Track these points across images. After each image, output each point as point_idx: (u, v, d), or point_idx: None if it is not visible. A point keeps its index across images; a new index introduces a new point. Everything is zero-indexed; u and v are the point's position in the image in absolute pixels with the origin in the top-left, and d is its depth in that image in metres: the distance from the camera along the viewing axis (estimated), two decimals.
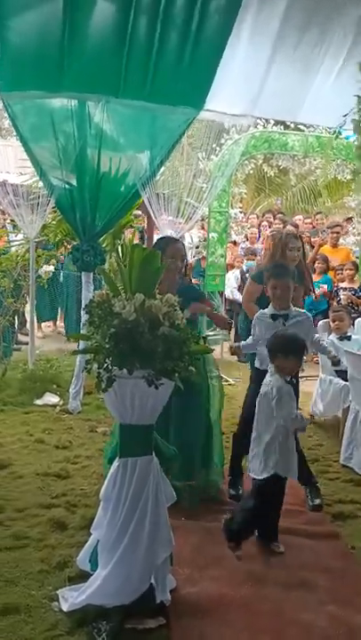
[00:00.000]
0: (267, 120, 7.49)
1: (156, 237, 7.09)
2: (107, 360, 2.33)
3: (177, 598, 2.70)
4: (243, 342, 3.95)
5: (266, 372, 3.30)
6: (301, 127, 7.62)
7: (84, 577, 2.79)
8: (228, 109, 5.40)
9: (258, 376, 3.61)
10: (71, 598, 2.67)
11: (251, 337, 3.82)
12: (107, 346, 2.29)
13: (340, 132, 5.23)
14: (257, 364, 3.79)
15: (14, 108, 4.95)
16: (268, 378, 3.22)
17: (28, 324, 7.35)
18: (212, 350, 2.54)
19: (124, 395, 2.42)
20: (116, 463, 2.60)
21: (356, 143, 3.67)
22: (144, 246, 2.52)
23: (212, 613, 2.62)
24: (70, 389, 5.57)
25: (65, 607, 2.65)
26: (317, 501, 3.67)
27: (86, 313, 2.44)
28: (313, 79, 4.97)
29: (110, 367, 2.32)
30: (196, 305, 3.61)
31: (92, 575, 2.70)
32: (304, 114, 5.47)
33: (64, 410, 5.53)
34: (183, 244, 4.03)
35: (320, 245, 8.12)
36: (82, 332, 3.19)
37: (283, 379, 3.15)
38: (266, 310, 3.75)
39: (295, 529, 3.32)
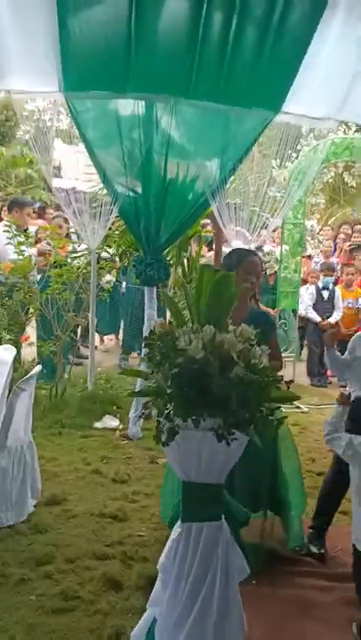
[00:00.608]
0: (348, 125, 6.90)
1: (224, 250, 6.68)
2: (168, 406, 1.89)
3: None
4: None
5: None
6: None
7: None
8: (308, 112, 4.89)
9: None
10: None
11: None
12: (168, 390, 1.84)
13: None
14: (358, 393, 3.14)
15: (79, 110, 4.64)
16: None
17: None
18: (299, 397, 2.05)
19: (189, 449, 1.96)
20: (178, 529, 2.15)
21: None
22: (215, 268, 2.08)
23: None
24: (131, 413, 5.20)
25: None
26: None
27: (145, 346, 2.01)
28: None
29: (172, 416, 1.88)
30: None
31: None
32: None
33: (124, 435, 5.17)
34: (260, 258, 3.53)
35: None
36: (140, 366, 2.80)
37: None
38: None
39: None
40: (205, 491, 2.09)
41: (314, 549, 3.23)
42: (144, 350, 2.01)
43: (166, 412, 1.90)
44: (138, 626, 2.41)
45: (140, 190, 4.85)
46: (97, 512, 3.68)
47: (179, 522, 2.14)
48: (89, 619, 2.67)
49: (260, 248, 7.63)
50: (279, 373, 3.21)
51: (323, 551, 3.23)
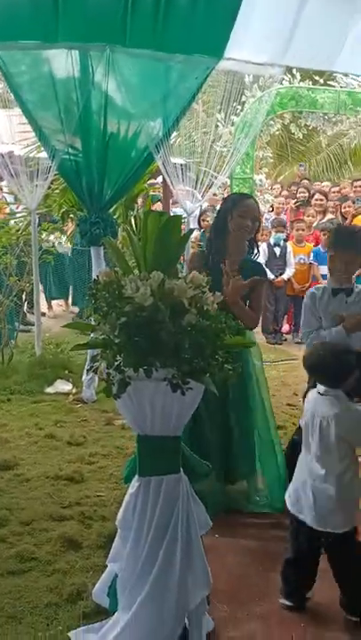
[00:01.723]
0: (292, 75, 6.78)
1: (172, 209, 6.54)
2: (118, 358, 1.79)
3: None
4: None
5: None
6: (332, 83, 6.90)
7: (101, 613, 2.34)
8: (252, 57, 4.74)
9: None
10: None
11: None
12: (117, 340, 1.74)
13: None
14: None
15: (9, 65, 4.36)
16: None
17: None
18: (254, 344, 1.98)
19: (142, 401, 1.88)
20: (135, 483, 2.08)
21: None
22: (160, 212, 1.98)
23: None
24: (84, 377, 5.10)
25: None
26: None
27: (90, 296, 1.90)
28: (354, 20, 4.30)
29: (123, 367, 1.78)
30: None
31: (110, 612, 2.24)
32: (341, 62, 4.77)
33: (77, 399, 5.09)
34: (256, 202, 3.37)
35: (354, 216, 7.46)
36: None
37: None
38: (321, 286, 3.23)
39: None
40: (162, 444, 2.02)
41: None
42: (90, 300, 1.89)
43: (116, 363, 1.80)
44: (99, 582, 2.38)
45: (79, 147, 4.64)
46: (52, 475, 3.62)
47: (136, 476, 2.08)
48: (47, 578, 2.64)
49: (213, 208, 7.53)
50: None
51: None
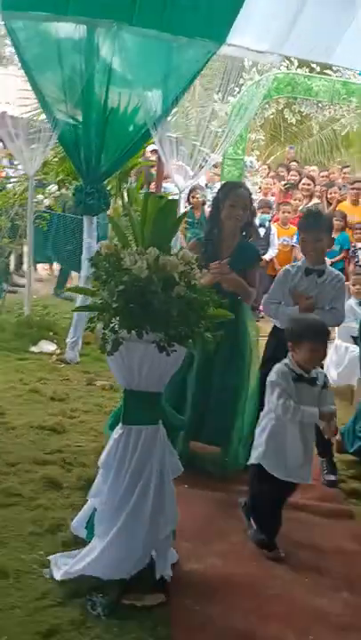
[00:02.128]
0: (290, 61, 6.97)
1: (164, 183, 6.74)
2: (113, 320, 2.08)
3: (179, 575, 2.53)
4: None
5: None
6: (328, 72, 7.10)
7: (78, 543, 2.63)
8: (252, 45, 4.95)
9: (278, 331, 3.35)
10: (64, 566, 2.51)
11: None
12: (115, 305, 2.03)
13: None
14: (281, 324, 3.39)
15: (18, 33, 4.51)
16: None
17: (25, 266, 7.09)
18: (232, 316, 2.27)
19: (132, 360, 2.18)
20: (119, 430, 2.39)
21: None
22: (160, 195, 2.23)
23: (216, 594, 2.46)
24: (68, 339, 5.34)
25: (57, 575, 2.48)
26: (332, 477, 3.47)
27: (92, 265, 2.17)
28: (354, 14, 4.51)
29: (117, 328, 2.07)
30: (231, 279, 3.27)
31: (87, 542, 2.54)
32: (338, 55, 5.01)
33: (61, 359, 5.32)
34: (249, 191, 3.59)
35: (338, 201, 7.72)
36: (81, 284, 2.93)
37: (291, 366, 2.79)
38: (297, 263, 3.49)
39: (307, 505, 3.13)
40: (145, 398, 2.33)
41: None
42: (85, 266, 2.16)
43: (111, 325, 2.09)
44: (78, 516, 2.70)
45: (80, 119, 4.82)
46: (36, 425, 3.89)
47: (120, 424, 2.38)
48: (30, 512, 2.92)
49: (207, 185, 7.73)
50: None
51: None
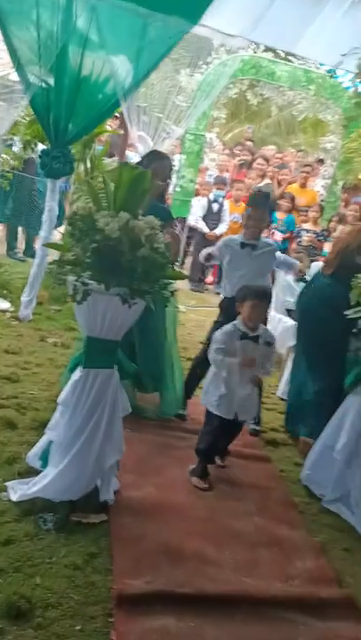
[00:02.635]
0: (257, 45, 7.25)
1: (127, 152, 6.95)
2: (84, 273, 2.39)
3: (120, 500, 2.93)
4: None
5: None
6: (291, 58, 7.43)
7: (32, 473, 2.95)
8: (224, 28, 5.21)
9: (227, 303, 3.74)
10: (20, 490, 2.84)
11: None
12: (87, 260, 2.34)
13: (334, 72, 5.15)
14: (225, 293, 3.89)
15: None
16: None
17: None
18: (187, 276, 2.62)
19: (97, 309, 2.50)
20: (78, 372, 2.72)
21: (352, 87, 3.69)
22: (134, 165, 2.52)
23: (150, 516, 2.87)
24: (23, 297, 5.52)
25: (14, 497, 2.82)
26: (257, 427, 3.95)
27: (68, 224, 2.47)
28: (319, 12, 4.84)
29: (87, 281, 2.39)
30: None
31: (41, 472, 2.87)
32: (302, 46, 5.35)
33: (14, 316, 5.51)
34: (170, 162, 3.91)
35: (289, 183, 8.14)
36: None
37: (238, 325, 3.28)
38: (236, 237, 3.85)
39: (232, 450, 3.58)
40: (105, 345, 2.66)
41: (180, 412, 4.05)
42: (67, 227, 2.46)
43: (82, 277, 2.40)
44: (33, 449, 3.04)
45: (52, 83, 4.94)
46: None
47: (80, 367, 2.71)
48: None
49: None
50: None
51: (185, 413, 4.02)
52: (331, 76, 5.54)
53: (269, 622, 2.41)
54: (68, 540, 2.64)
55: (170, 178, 3.93)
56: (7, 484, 2.92)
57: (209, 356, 3.29)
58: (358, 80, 3.62)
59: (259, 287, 3.34)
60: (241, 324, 3.24)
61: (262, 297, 3.28)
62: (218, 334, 3.26)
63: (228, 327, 3.26)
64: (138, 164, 3.84)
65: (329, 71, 5.22)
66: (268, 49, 7.86)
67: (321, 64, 6.47)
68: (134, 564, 2.54)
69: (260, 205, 3.76)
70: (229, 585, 2.53)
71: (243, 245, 3.77)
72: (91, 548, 2.62)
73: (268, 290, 3.40)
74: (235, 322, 3.27)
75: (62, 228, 5.59)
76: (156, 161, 3.71)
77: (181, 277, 2.53)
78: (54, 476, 2.78)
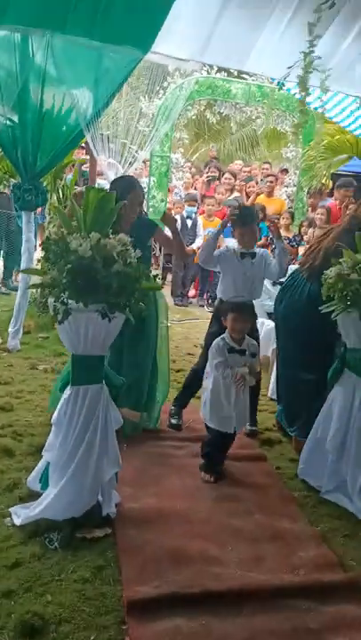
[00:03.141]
0: (210, 66, 7.50)
1: (97, 181, 7.12)
2: (63, 294, 2.50)
3: (121, 512, 3.00)
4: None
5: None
6: (244, 76, 7.70)
7: (34, 496, 3.01)
8: (175, 53, 5.40)
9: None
10: (23, 514, 2.90)
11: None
12: (64, 280, 2.44)
13: (282, 84, 5.37)
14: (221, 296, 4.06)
15: None
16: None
17: None
18: (162, 287, 2.74)
19: (79, 326, 2.60)
20: (68, 391, 2.81)
21: (300, 97, 3.86)
22: (99, 188, 2.64)
23: (153, 524, 2.94)
24: (10, 328, 5.62)
25: (18, 522, 2.87)
26: (255, 428, 4.08)
27: (43, 249, 2.57)
28: (262, 29, 5.04)
29: (66, 300, 2.49)
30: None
31: (42, 494, 2.93)
32: (251, 63, 5.54)
33: (3, 348, 5.60)
34: (142, 189, 4.13)
35: (257, 194, 8.36)
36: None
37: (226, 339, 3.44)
38: (235, 248, 4.03)
39: (229, 453, 3.64)
40: (91, 361, 2.76)
41: (174, 422, 4.11)
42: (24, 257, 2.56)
43: (61, 298, 2.50)
44: (32, 473, 3.11)
45: (16, 119, 5.11)
46: None
47: (69, 386, 2.80)
48: None
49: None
50: None
51: (180, 422, 4.11)
52: (279, 89, 5.75)
53: (278, 612, 2.47)
54: (75, 557, 2.70)
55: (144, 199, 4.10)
56: (10, 509, 2.99)
57: (211, 369, 3.44)
58: (301, 92, 3.79)
59: (238, 301, 3.52)
60: (228, 338, 3.42)
61: (242, 310, 3.45)
62: (212, 350, 3.44)
63: (218, 341, 3.43)
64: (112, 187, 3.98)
65: (278, 84, 5.41)
66: (221, 69, 8.13)
67: (272, 78, 6.69)
68: (141, 572, 2.60)
69: (250, 221, 4.00)
70: (235, 580, 2.59)
71: (243, 255, 3.99)
72: (98, 562, 2.68)
73: (248, 302, 3.58)
74: (223, 336, 3.44)
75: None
76: (131, 191, 3.84)
77: (157, 288, 2.64)
78: (55, 495, 2.84)
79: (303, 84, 3.61)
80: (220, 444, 3.53)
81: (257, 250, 4.08)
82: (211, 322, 4.16)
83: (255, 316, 3.89)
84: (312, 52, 3.59)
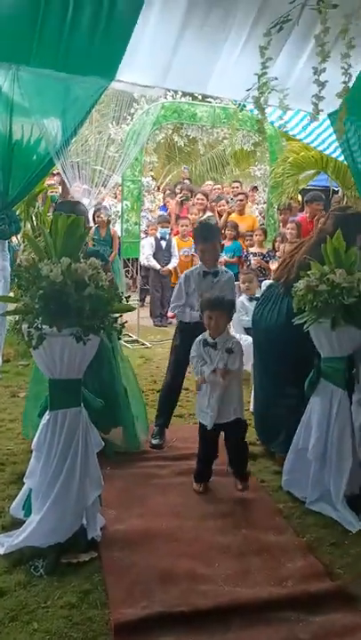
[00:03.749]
0: (175, 91, 7.66)
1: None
2: (37, 320, 2.52)
3: (107, 535, 2.99)
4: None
5: (191, 324, 3.83)
6: (209, 99, 7.86)
7: (17, 524, 2.99)
8: (138, 80, 5.51)
9: (184, 328, 4.05)
10: (7, 543, 2.88)
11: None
12: (37, 306, 2.47)
13: (244, 106, 5.50)
14: (185, 318, 4.12)
15: None
16: None
17: None
18: (134, 309, 2.77)
19: (54, 351, 2.62)
20: (47, 416, 2.81)
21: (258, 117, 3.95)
22: (68, 214, 2.68)
23: (139, 545, 2.93)
24: None
25: (1, 551, 2.85)
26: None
27: (14, 277, 2.60)
28: (219, 54, 5.18)
29: (40, 326, 2.51)
30: None
31: (25, 521, 2.92)
32: (211, 87, 5.66)
33: None
34: (85, 207, 4.18)
35: (229, 213, 8.49)
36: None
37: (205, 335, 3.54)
38: (194, 268, 4.09)
39: (214, 470, 3.63)
40: (67, 385, 2.77)
41: (155, 442, 4.10)
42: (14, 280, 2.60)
43: (35, 324, 2.53)
44: (15, 500, 3.10)
45: None
46: None
47: (48, 411, 2.81)
48: None
49: (99, 204, 8.27)
50: None
51: (162, 442, 4.11)
52: (241, 110, 5.89)
53: (267, 625, 2.48)
54: (61, 582, 2.68)
55: (88, 221, 4.23)
56: None
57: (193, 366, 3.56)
58: (258, 112, 3.90)
59: (210, 298, 3.53)
60: (206, 334, 3.51)
61: (213, 306, 3.45)
62: (192, 347, 3.53)
63: (198, 338, 3.53)
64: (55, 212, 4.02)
65: (239, 106, 5.55)
66: (185, 93, 8.30)
67: (235, 101, 6.85)
68: (128, 593, 2.59)
69: (210, 239, 4.00)
70: (223, 597, 2.59)
71: (205, 274, 4.00)
72: (84, 586, 2.67)
73: (221, 298, 3.53)
74: (204, 332, 3.54)
75: None
76: (74, 208, 3.87)
77: (130, 309, 2.67)
78: (38, 521, 2.83)
79: (259, 104, 3.70)
80: (203, 439, 3.56)
81: (220, 269, 4.08)
82: (174, 335, 4.28)
83: (231, 308, 3.70)
84: (265, 73, 3.68)
